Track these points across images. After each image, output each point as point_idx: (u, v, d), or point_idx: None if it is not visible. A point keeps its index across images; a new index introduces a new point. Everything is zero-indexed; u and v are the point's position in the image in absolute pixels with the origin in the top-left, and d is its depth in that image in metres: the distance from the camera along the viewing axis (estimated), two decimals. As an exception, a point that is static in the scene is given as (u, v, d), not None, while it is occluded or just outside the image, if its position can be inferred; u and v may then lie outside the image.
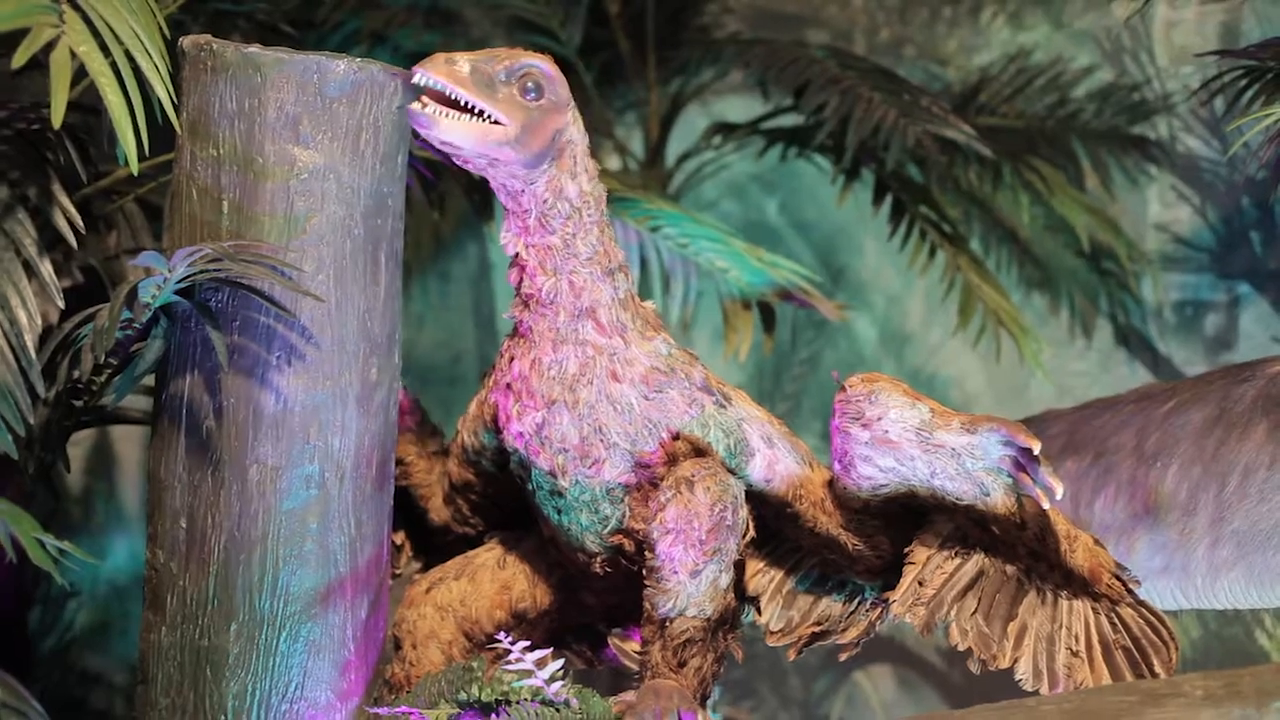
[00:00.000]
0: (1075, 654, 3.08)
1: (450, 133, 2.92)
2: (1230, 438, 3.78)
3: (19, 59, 2.76)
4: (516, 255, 3.09)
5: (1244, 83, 4.10)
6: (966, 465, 3.03)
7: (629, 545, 3.15)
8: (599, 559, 3.20)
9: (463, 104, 2.92)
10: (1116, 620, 3.11)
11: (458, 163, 3.04)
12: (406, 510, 3.48)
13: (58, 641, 5.17)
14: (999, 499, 3.05)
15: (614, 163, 5.55)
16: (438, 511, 3.48)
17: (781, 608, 3.31)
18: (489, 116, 2.93)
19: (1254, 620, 5.10)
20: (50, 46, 2.80)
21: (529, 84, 2.98)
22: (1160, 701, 2.78)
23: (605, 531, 3.16)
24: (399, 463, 3.42)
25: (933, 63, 5.76)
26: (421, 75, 2.90)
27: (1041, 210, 5.41)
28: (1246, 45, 4.53)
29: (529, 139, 2.98)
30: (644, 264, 4.54)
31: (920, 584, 3.10)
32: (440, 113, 2.91)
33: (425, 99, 2.92)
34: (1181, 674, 2.99)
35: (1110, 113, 5.45)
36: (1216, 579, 3.77)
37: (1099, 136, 5.45)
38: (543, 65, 3.00)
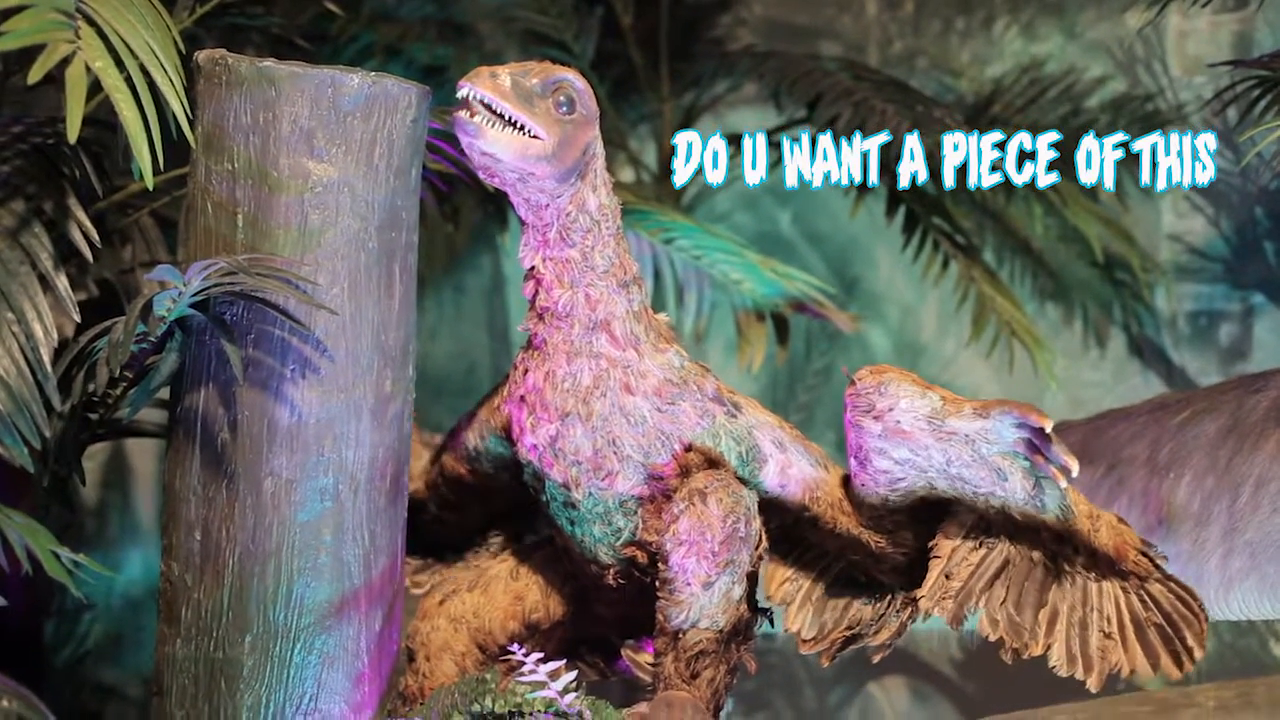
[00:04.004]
0: (1108, 636, 3.07)
1: (494, 144, 2.91)
2: (1243, 449, 3.78)
3: (35, 74, 2.77)
4: (533, 268, 3.09)
5: (1257, 93, 4.10)
6: (981, 451, 3.03)
7: (642, 557, 3.16)
8: (612, 570, 3.20)
9: (506, 118, 2.92)
10: (1146, 597, 3.10)
11: (483, 176, 3.03)
12: None
13: (73, 654, 5.18)
14: (1017, 483, 3.04)
15: (628, 175, 5.56)
16: (416, 493, 3.47)
17: (813, 615, 3.31)
18: (528, 130, 2.94)
19: (1268, 631, 5.09)
20: (66, 62, 2.81)
21: (562, 98, 2.98)
22: (1174, 711, 2.79)
23: (618, 543, 3.16)
24: None
25: (946, 74, 5.76)
26: (469, 89, 2.89)
27: (1055, 221, 5.41)
28: (1259, 55, 4.53)
29: (564, 153, 2.98)
30: (657, 276, 4.55)
31: (947, 577, 3.09)
32: (487, 122, 2.90)
33: (474, 106, 2.92)
34: (1195, 684, 2.99)
35: (1123, 123, 5.44)
36: (1230, 590, 3.76)
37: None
38: (575, 79, 3.00)
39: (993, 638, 3.07)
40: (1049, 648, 3.06)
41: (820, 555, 3.33)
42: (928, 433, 3.04)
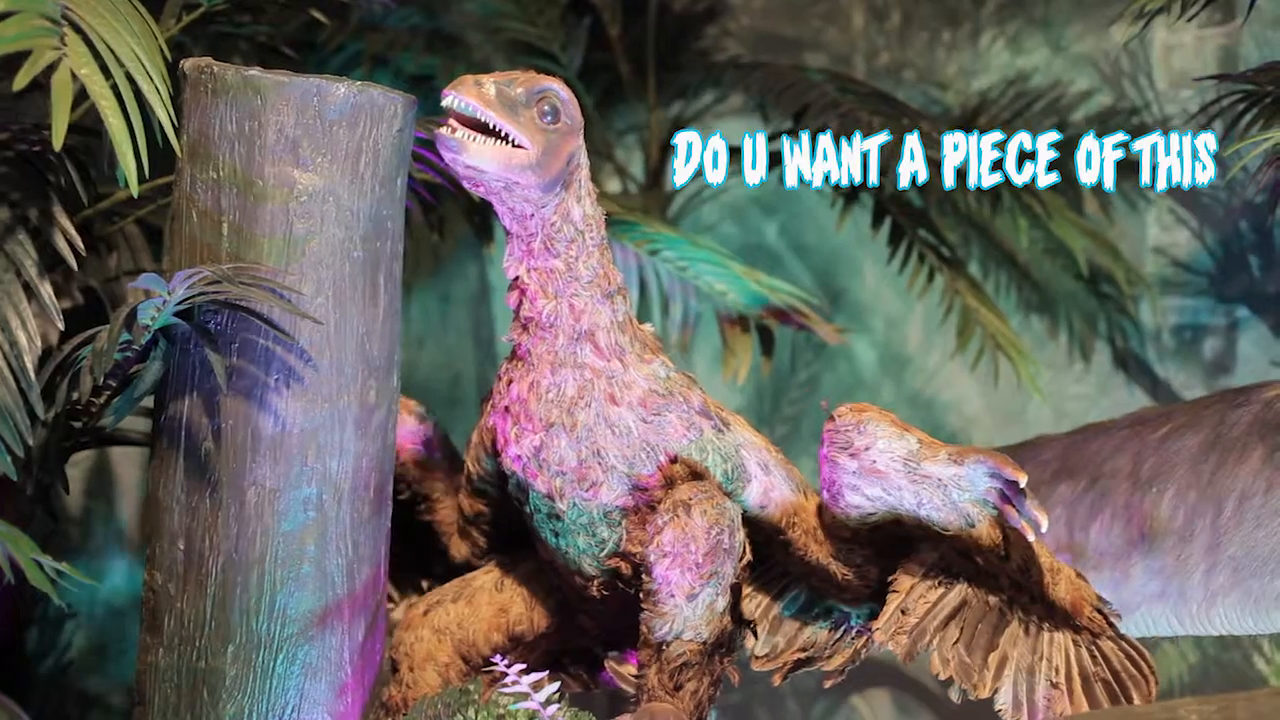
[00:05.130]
0: (1055, 685, 3.09)
1: (478, 157, 2.91)
2: (1226, 463, 3.77)
3: (20, 81, 2.77)
4: (517, 279, 3.10)
5: (1242, 107, 4.10)
6: (953, 496, 3.05)
7: (626, 568, 3.16)
8: (596, 582, 3.20)
9: (491, 127, 2.92)
10: (1097, 653, 3.12)
11: (468, 186, 3.03)
12: (430, 547, 3.49)
13: (55, 663, 5.16)
14: (984, 530, 3.06)
15: (614, 185, 5.56)
16: (458, 548, 3.49)
17: (767, 633, 3.32)
18: (512, 140, 2.93)
19: (1252, 646, 5.10)
20: (52, 69, 2.81)
21: (546, 107, 2.98)
22: (1156, 726, 2.78)
23: (602, 554, 3.16)
24: (426, 499, 3.43)
25: (932, 86, 5.76)
26: (454, 98, 2.89)
27: (1040, 234, 5.41)
28: (1245, 69, 4.53)
29: (549, 162, 2.98)
30: (643, 287, 4.55)
31: (903, 612, 3.11)
32: (469, 137, 2.90)
33: (453, 123, 2.92)
34: (1179, 699, 2.99)
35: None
36: (1213, 605, 3.76)
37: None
38: (559, 88, 3.01)
39: (943, 676, 3.09)
40: (996, 691, 3.08)
41: (781, 575, 3.33)
42: (902, 474, 3.06)
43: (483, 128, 2.92)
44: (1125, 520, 3.90)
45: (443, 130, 2.91)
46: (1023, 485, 2.97)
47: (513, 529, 3.39)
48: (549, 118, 2.98)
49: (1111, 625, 3.13)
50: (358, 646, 3.14)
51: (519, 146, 2.93)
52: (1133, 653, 3.13)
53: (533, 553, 3.33)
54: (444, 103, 2.91)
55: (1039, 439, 4.34)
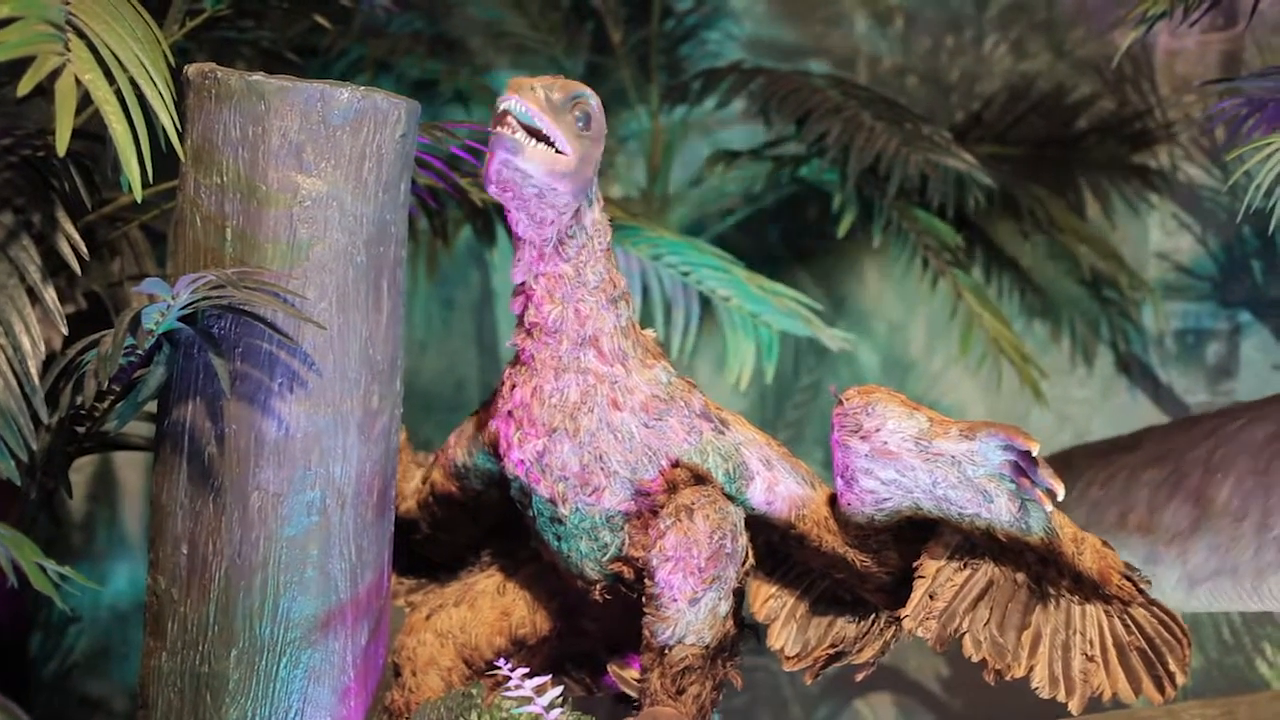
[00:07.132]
0: (1090, 658, 3.08)
1: (531, 161, 2.89)
2: None
3: (24, 87, 2.77)
4: (523, 284, 3.09)
5: (1245, 111, 4.10)
6: (967, 472, 3.03)
7: (628, 572, 3.16)
8: (598, 586, 3.20)
9: (542, 132, 2.90)
10: (1130, 621, 3.11)
11: (494, 191, 2.96)
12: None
13: (59, 667, 5.17)
14: (1003, 505, 3.05)
15: (616, 191, 5.56)
16: (408, 511, 3.48)
17: (797, 631, 3.32)
18: (556, 145, 2.93)
19: (1254, 649, 5.10)
20: (56, 74, 2.81)
21: (579, 113, 2.96)
22: (1158, 730, 2.79)
23: (605, 559, 3.16)
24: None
25: (935, 91, 5.76)
26: (516, 102, 2.87)
27: (1042, 238, 5.42)
28: (1247, 74, 4.53)
29: (583, 169, 2.97)
30: (645, 292, 4.54)
31: (931, 597, 3.10)
32: (527, 140, 2.88)
33: (513, 123, 2.88)
34: (1181, 702, 2.99)
35: (1112, 142, 5.46)
36: (1261, 581, 3.96)
37: (1100, 165, 5.46)
38: (590, 95, 2.98)
39: (976, 658, 3.08)
40: (1031, 669, 3.07)
41: (805, 573, 3.34)
42: (914, 453, 3.05)
43: (531, 132, 2.90)
44: (1193, 502, 4.13)
45: (503, 130, 2.87)
46: (1035, 454, 2.96)
47: (480, 518, 3.42)
48: (581, 123, 2.97)
49: (1141, 592, 3.11)
50: (361, 651, 3.15)
51: (560, 152, 2.92)
52: (1165, 618, 3.11)
53: (534, 556, 3.34)
54: (503, 105, 2.86)
55: (1149, 430, 4.67)
